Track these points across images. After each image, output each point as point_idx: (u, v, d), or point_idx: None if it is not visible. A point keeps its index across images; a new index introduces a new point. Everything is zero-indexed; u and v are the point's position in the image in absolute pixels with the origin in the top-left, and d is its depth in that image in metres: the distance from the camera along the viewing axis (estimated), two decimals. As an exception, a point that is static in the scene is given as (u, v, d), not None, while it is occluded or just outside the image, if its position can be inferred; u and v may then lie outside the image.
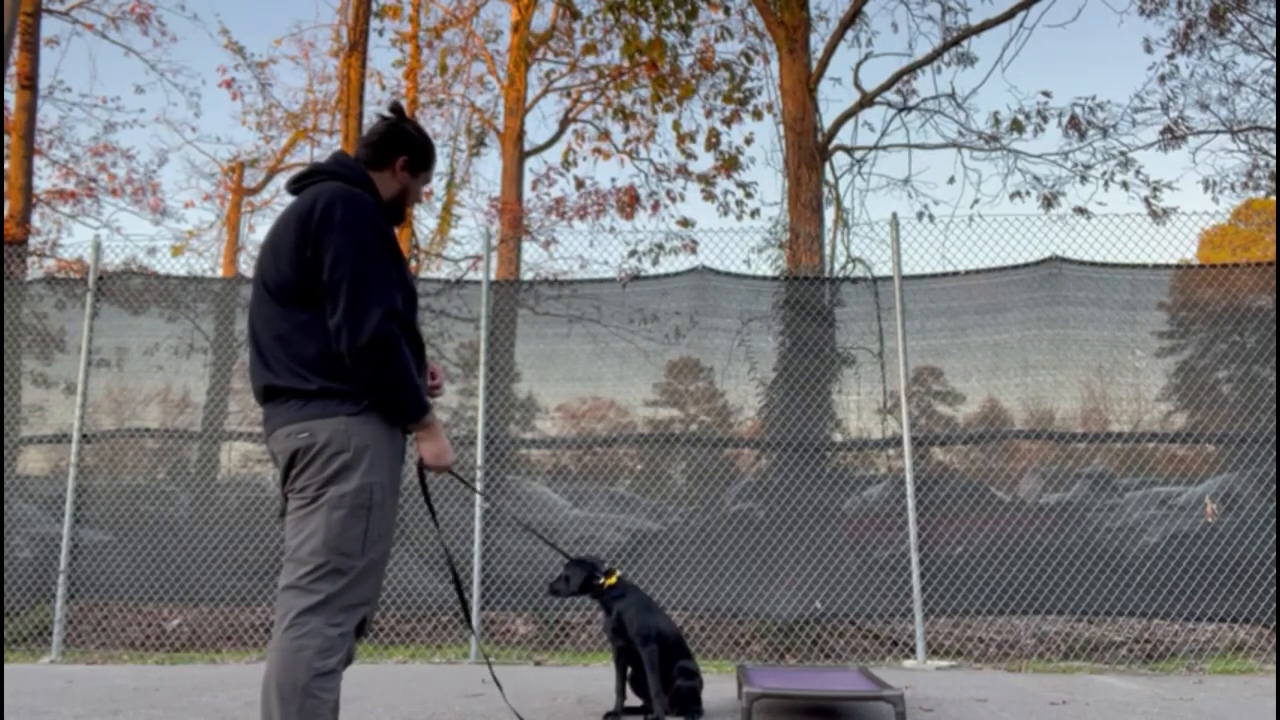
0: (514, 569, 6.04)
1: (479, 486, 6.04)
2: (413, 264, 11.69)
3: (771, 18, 8.54)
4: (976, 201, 20.27)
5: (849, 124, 10.39)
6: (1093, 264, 6.21)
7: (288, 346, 2.33)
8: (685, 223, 12.63)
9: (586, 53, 12.80)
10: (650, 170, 13.51)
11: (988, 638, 6.13)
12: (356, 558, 2.27)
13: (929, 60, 9.45)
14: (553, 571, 5.93)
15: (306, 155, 17.12)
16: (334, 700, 2.22)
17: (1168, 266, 6.21)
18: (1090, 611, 5.77)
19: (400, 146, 2.57)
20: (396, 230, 2.64)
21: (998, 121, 9.98)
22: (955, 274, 6.35)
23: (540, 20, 13.48)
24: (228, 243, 16.75)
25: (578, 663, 5.78)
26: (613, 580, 3.95)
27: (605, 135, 14.10)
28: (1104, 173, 9.84)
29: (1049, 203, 9.81)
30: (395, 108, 2.64)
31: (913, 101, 9.96)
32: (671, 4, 9.79)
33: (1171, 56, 10.57)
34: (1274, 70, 10.19)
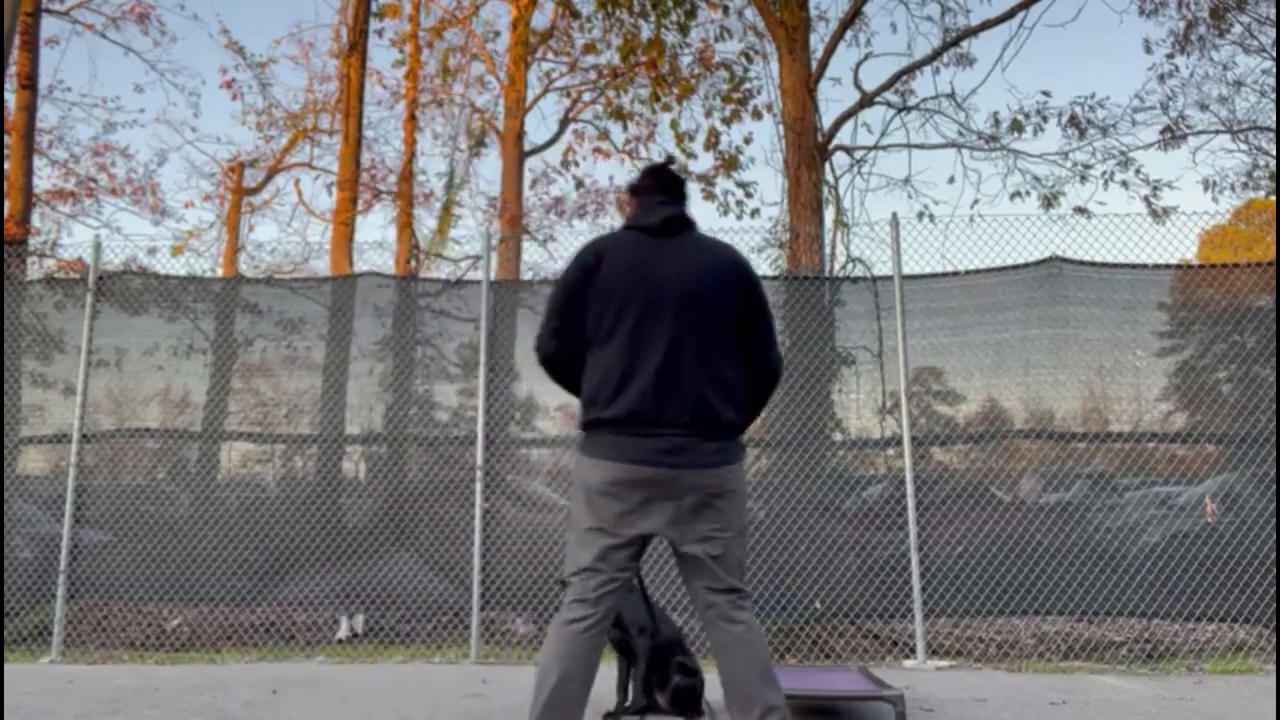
0: (514, 569, 6.04)
1: (479, 486, 6.05)
2: (411, 264, 11.68)
3: (771, 18, 8.53)
4: (976, 201, 20.25)
5: (849, 124, 10.38)
6: (1093, 264, 6.20)
7: (721, 378, 2.63)
8: (685, 222, 12.58)
9: (586, 52, 12.79)
10: (650, 170, 13.47)
11: (988, 638, 6.13)
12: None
13: (929, 60, 9.45)
14: (554, 570, 5.97)
15: (306, 155, 17.12)
16: None
17: (1168, 266, 6.20)
18: (1090, 611, 5.77)
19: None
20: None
21: (997, 121, 10.00)
22: (955, 274, 6.34)
23: (540, 19, 13.49)
24: (227, 243, 16.75)
25: (578, 663, 5.78)
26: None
27: (605, 135, 14.10)
28: (1104, 172, 9.85)
29: (1049, 203, 9.81)
30: (667, 161, 2.98)
31: (912, 101, 9.98)
32: (670, 3, 9.78)
33: (1171, 56, 10.58)
34: (1274, 70, 10.19)
